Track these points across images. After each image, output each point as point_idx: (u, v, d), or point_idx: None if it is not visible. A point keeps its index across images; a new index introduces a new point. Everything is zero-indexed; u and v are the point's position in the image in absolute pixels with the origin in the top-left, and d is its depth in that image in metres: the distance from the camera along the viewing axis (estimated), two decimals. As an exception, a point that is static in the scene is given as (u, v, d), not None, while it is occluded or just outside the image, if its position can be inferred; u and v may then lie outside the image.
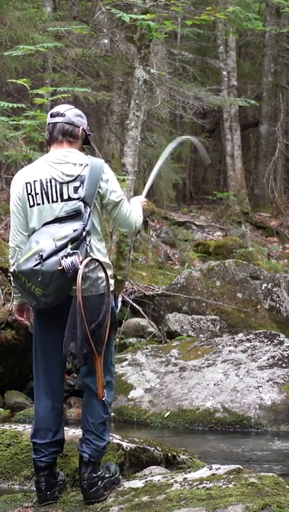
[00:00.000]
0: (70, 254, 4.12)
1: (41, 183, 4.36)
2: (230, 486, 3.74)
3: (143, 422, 7.12)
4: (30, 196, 4.34)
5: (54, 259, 4.12)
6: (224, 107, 16.31)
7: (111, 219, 4.48)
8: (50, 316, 4.28)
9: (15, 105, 8.00)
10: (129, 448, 4.56)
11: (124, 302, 9.87)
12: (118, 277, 8.90)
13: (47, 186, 4.36)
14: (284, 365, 7.48)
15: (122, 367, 7.79)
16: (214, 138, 20.92)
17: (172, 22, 9.21)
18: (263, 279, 10.23)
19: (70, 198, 4.30)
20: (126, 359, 7.96)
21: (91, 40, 10.93)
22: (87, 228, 4.23)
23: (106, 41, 12.55)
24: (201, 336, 8.85)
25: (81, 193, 4.30)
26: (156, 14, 8.71)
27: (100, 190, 4.33)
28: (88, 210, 4.27)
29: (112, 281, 4.36)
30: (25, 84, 7.76)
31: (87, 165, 4.37)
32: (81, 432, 4.22)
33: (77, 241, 4.18)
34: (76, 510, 3.94)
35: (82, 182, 4.32)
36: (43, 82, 12.16)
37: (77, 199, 4.29)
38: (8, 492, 4.36)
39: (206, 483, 3.81)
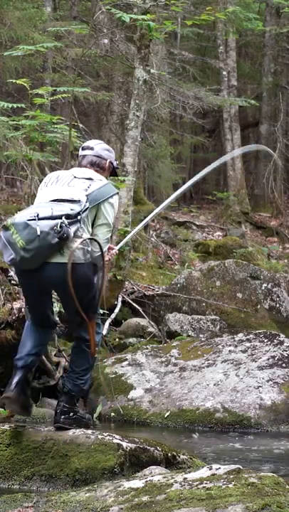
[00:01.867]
0: (65, 225, 4.63)
1: (58, 175, 5.02)
2: (230, 486, 3.74)
3: (143, 422, 7.12)
4: (44, 184, 5.01)
5: (48, 221, 4.64)
6: (224, 107, 16.31)
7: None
8: (27, 283, 4.90)
9: (15, 105, 8.00)
10: (129, 448, 4.56)
11: (124, 302, 9.87)
12: (118, 277, 8.91)
13: (63, 176, 4.98)
14: (284, 365, 7.48)
15: (122, 367, 7.79)
16: (214, 138, 20.92)
17: (172, 22, 9.22)
18: (263, 279, 10.23)
19: (77, 188, 4.87)
20: (126, 359, 7.96)
21: (91, 40, 10.92)
22: (82, 214, 4.76)
23: (106, 41, 12.55)
24: (201, 335, 8.85)
25: (89, 191, 4.88)
26: (156, 14, 8.71)
27: (100, 205, 4.92)
28: (88, 205, 4.81)
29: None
30: (25, 85, 7.76)
31: (105, 182, 5.01)
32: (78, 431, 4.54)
33: (72, 219, 4.70)
34: (76, 510, 3.94)
35: (93, 186, 4.92)
36: (43, 82, 12.16)
37: (83, 193, 4.86)
38: (8, 492, 4.36)
39: (206, 483, 3.82)
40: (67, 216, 4.69)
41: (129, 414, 7.23)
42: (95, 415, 7.11)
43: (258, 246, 15.06)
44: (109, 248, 5.31)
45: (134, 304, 9.94)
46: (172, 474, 4.10)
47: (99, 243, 4.80)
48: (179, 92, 12.86)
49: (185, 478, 3.95)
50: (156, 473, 4.21)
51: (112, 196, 4.98)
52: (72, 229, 4.69)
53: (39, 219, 4.65)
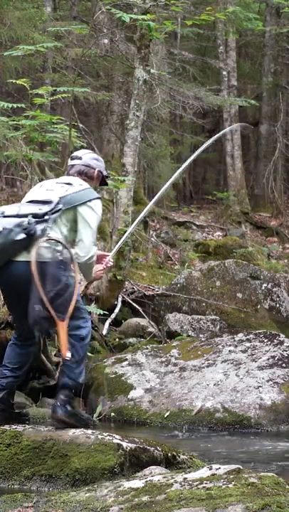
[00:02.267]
0: (30, 223, 4.74)
1: (42, 184, 5.20)
2: (230, 486, 3.74)
3: (143, 422, 7.12)
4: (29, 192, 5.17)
5: (13, 219, 4.76)
6: (224, 107, 16.32)
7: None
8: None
9: (15, 105, 7.99)
10: (129, 448, 4.56)
11: (124, 302, 9.87)
12: (118, 277, 8.91)
13: (46, 184, 5.15)
14: (284, 365, 7.48)
15: (122, 367, 7.79)
16: (214, 138, 20.87)
17: (172, 22, 9.22)
18: (263, 279, 10.23)
19: (54, 192, 4.97)
20: (126, 359, 7.96)
21: (91, 40, 10.93)
22: (52, 215, 4.82)
23: (106, 41, 12.55)
24: (201, 335, 8.85)
25: (64, 194, 4.94)
26: (156, 14, 8.71)
27: (79, 209, 4.94)
28: (59, 206, 4.87)
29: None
30: (25, 85, 7.76)
31: (85, 187, 5.04)
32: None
33: (38, 218, 4.78)
34: (76, 510, 3.94)
35: (70, 189, 4.98)
36: (43, 82, 12.16)
37: (58, 195, 4.94)
38: (8, 492, 4.36)
39: (206, 483, 3.81)
40: (34, 215, 4.78)
41: (129, 414, 7.23)
42: (95, 415, 7.11)
43: (258, 246, 15.06)
44: (104, 256, 5.37)
45: (134, 304, 9.94)
46: (172, 474, 4.10)
47: (63, 244, 4.80)
48: (179, 92, 12.86)
49: (185, 478, 3.95)
50: (156, 473, 4.21)
51: (91, 200, 4.98)
52: (39, 228, 4.75)
53: (4, 216, 4.78)
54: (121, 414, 7.23)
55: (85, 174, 5.18)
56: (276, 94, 18.13)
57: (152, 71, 9.49)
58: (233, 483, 3.77)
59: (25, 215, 4.79)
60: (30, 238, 4.73)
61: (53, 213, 4.85)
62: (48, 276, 4.69)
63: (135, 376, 7.62)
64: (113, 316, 9.38)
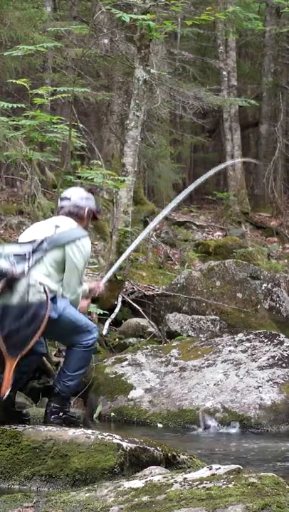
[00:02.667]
0: (9, 262, 4.78)
1: (33, 226, 5.30)
2: (230, 486, 3.74)
3: (143, 422, 7.12)
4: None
5: None
6: (224, 107, 16.31)
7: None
8: None
9: (15, 105, 7.99)
10: (129, 448, 4.56)
11: (124, 302, 9.87)
12: (118, 277, 8.91)
13: (36, 225, 5.24)
14: (284, 365, 7.48)
15: (122, 367, 7.79)
16: (214, 138, 20.92)
17: (172, 22, 9.22)
18: (263, 279, 10.23)
19: (42, 233, 5.04)
20: (126, 359, 7.96)
21: (91, 40, 10.92)
22: (35, 254, 4.88)
23: (106, 41, 12.55)
24: (201, 335, 8.85)
25: (50, 234, 5.01)
26: (156, 14, 8.71)
27: (65, 248, 4.97)
28: (44, 245, 4.93)
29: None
30: (25, 85, 7.75)
31: (72, 226, 5.10)
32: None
33: (19, 257, 4.85)
34: (76, 510, 3.94)
35: (57, 230, 5.04)
36: (43, 82, 12.16)
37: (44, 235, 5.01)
38: (8, 492, 4.36)
39: (206, 483, 3.81)
40: (16, 254, 4.86)
41: (129, 414, 7.23)
42: (95, 415, 7.12)
43: (258, 246, 15.06)
44: (96, 286, 5.53)
45: (134, 304, 9.93)
46: (172, 474, 4.10)
47: (45, 289, 4.90)
48: (179, 92, 12.86)
49: (185, 478, 3.95)
50: (156, 473, 4.21)
51: (79, 239, 5.03)
52: (19, 266, 4.81)
53: None
54: (121, 414, 7.23)
55: (75, 215, 5.21)
56: (276, 94, 18.13)
57: (152, 71, 9.49)
58: (233, 483, 3.77)
59: (7, 255, 4.85)
60: (3, 276, 4.79)
61: (34, 252, 4.91)
62: (14, 314, 4.82)
63: (135, 376, 7.62)
64: (113, 316, 9.38)
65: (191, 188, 6.66)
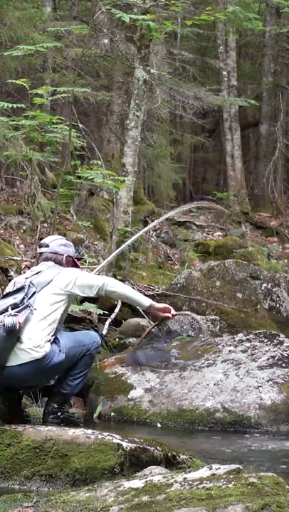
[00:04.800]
0: (11, 315, 4.78)
1: (15, 281, 5.28)
2: (230, 485, 3.74)
3: (143, 422, 7.11)
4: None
5: None
6: (224, 107, 16.32)
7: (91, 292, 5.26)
8: None
9: (15, 105, 7.99)
10: (129, 448, 4.56)
11: (124, 302, 9.86)
12: (118, 277, 8.91)
13: (18, 282, 5.22)
14: (284, 365, 7.48)
15: (122, 367, 7.79)
16: (214, 138, 20.92)
17: (172, 22, 9.22)
18: (263, 279, 10.23)
19: (25, 281, 5.13)
20: (126, 359, 7.96)
21: (91, 40, 10.93)
22: (28, 300, 4.91)
23: (106, 41, 12.56)
24: (201, 335, 8.85)
25: (33, 279, 5.09)
26: (156, 14, 8.71)
27: (56, 281, 5.06)
28: (33, 289, 5.00)
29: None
30: (25, 85, 7.76)
31: (52, 266, 5.22)
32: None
33: (19, 307, 4.86)
34: (76, 510, 3.94)
35: (40, 273, 5.14)
36: (43, 82, 12.16)
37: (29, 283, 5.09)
38: (8, 492, 4.36)
39: (206, 483, 3.81)
40: (14, 306, 4.89)
41: (129, 414, 7.23)
42: (95, 415, 7.11)
43: (258, 246, 15.06)
44: (167, 309, 5.62)
45: (134, 304, 9.92)
46: (172, 474, 4.10)
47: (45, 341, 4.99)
48: (179, 92, 12.87)
49: (185, 478, 3.95)
50: (156, 473, 4.21)
51: (61, 271, 5.17)
52: (23, 315, 4.86)
53: None
54: (121, 414, 7.23)
55: (53, 261, 5.31)
56: (276, 94, 18.14)
57: (152, 71, 9.49)
58: (233, 483, 3.77)
59: (5, 310, 4.88)
60: (13, 331, 4.83)
61: (30, 297, 4.97)
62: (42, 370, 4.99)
63: (135, 376, 7.62)
64: (113, 316, 9.38)
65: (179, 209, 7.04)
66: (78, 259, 5.49)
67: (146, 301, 5.40)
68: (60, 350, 5.00)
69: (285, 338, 7.98)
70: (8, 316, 4.80)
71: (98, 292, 5.18)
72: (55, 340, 5.03)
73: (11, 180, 12.75)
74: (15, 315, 4.81)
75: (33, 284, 5.04)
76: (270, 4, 17.24)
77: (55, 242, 5.41)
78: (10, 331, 4.77)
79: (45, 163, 10.76)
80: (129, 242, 6.55)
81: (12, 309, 4.86)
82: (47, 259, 5.32)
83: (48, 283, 5.08)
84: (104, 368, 7.79)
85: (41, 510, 3.98)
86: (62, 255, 5.34)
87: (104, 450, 4.52)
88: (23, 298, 4.93)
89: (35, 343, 4.91)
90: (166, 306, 5.60)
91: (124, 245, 6.60)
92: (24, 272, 9.25)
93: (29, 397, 7.25)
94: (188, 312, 6.15)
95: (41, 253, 5.40)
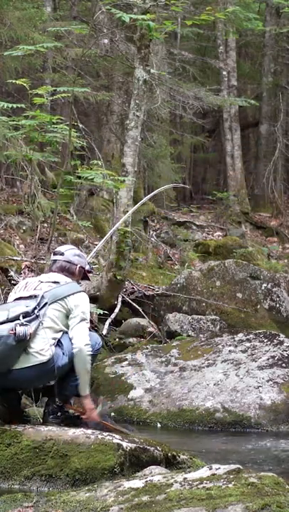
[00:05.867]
0: (23, 324, 4.81)
1: (27, 282, 5.26)
2: (230, 485, 3.74)
3: (143, 422, 7.12)
4: (13, 291, 5.25)
5: (6, 325, 4.82)
6: (224, 107, 16.31)
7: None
8: None
9: (15, 105, 7.99)
10: (129, 448, 4.56)
11: (124, 302, 9.87)
12: (118, 277, 8.91)
13: (30, 283, 5.22)
14: (284, 365, 7.48)
15: (122, 367, 7.79)
16: (214, 138, 20.92)
17: (172, 22, 9.21)
18: (263, 279, 10.23)
19: (39, 289, 5.10)
20: (126, 359, 7.96)
21: (91, 40, 10.92)
22: (39, 311, 4.94)
23: (106, 41, 12.56)
24: (201, 335, 8.85)
25: (48, 289, 5.09)
26: (156, 14, 8.70)
27: (66, 301, 5.08)
28: (44, 300, 5.00)
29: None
30: (25, 85, 7.75)
31: (69, 281, 5.21)
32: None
33: (30, 317, 4.89)
34: (76, 510, 3.94)
35: (57, 285, 5.14)
36: (43, 82, 12.16)
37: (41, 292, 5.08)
38: (8, 492, 4.36)
39: (206, 483, 3.81)
40: (25, 315, 4.90)
41: (129, 414, 7.23)
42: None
43: (258, 246, 15.06)
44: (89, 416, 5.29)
45: (134, 304, 9.94)
46: (172, 474, 4.10)
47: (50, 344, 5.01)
48: (179, 92, 12.86)
49: (185, 478, 3.95)
50: (156, 473, 4.21)
51: (75, 293, 5.14)
52: (33, 326, 4.88)
53: None
54: (121, 414, 7.24)
55: (67, 270, 5.32)
56: (276, 94, 18.13)
57: (152, 71, 9.48)
58: (233, 483, 3.77)
59: (17, 317, 4.89)
60: (24, 341, 4.85)
61: (41, 308, 4.97)
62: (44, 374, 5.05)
63: (135, 376, 7.62)
64: (113, 316, 9.38)
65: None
66: (89, 272, 5.53)
67: (84, 392, 5.23)
68: (63, 353, 5.02)
69: (285, 338, 7.98)
70: (20, 325, 4.83)
71: (72, 341, 5.16)
72: (58, 343, 5.05)
73: (11, 180, 12.75)
74: (26, 325, 4.85)
75: (45, 295, 5.07)
76: (270, 4, 17.23)
77: (70, 252, 5.45)
78: (20, 341, 4.81)
79: (45, 163, 10.75)
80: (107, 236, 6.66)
81: (23, 318, 4.88)
82: (61, 269, 5.34)
83: (62, 298, 5.10)
84: (104, 368, 7.79)
85: (41, 510, 3.98)
86: (76, 265, 5.38)
87: (104, 450, 4.52)
88: (35, 308, 4.95)
89: (40, 347, 4.94)
90: (90, 411, 5.30)
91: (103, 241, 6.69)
92: (25, 273, 9.26)
93: (29, 397, 7.25)
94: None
95: (55, 260, 5.41)
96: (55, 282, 5.20)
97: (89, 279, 5.72)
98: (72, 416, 5.20)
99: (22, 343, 4.84)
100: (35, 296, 5.03)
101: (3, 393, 5.11)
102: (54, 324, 5.05)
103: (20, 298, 5.09)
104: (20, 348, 4.86)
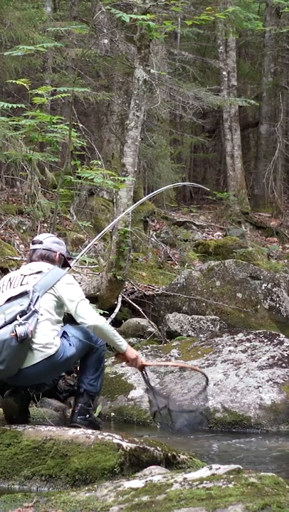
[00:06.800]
0: (22, 324, 4.81)
1: (10, 277, 5.24)
2: (230, 485, 3.74)
3: (143, 422, 7.11)
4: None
5: (6, 328, 4.82)
6: (224, 107, 16.32)
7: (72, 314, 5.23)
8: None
9: (15, 105, 7.99)
10: (129, 448, 4.56)
11: (124, 302, 9.87)
12: (118, 277, 8.91)
13: (14, 278, 5.20)
14: (284, 365, 7.48)
15: (122, 367, 7.79)
16: (214, 138, 20.93)
17: (172, 22, 9.21)
18: (263, 279, 10.23)
19: (25, 283, 5.10)
20: (126, 359, 7.95)
21: (91, 40, 10.93)
22: (34, 306, 4.94)
23: (106, 41, 12.56)
24: (201, 335, 8.85)
25: (35, 282, 5.09)
26: (156, 14, 8.70)
27: (54, 289, 5.09)
28: (36, 294, 5.00)
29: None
30: (25, 85, 7.76)
31: (51, 268, 5.22)
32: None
33: (26, 314, 4.88)
34: (76, 510, 3.94)
35: (41, 274, 5.14)
36: (43, 82, 12.17)
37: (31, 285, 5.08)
38: (8, 492, 4.36)
39: (206, 483, 3.81)
40: (22, 313, 4.90)
41: (129, 414, 7.23)
42: (95, 415, 7.10)
43: (258, 246, 15.06)
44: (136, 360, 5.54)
45: (134, 304, 9.94)
46: (172, 474, 4.10)
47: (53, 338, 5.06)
48: (179, 92, 12.87)
49: (185, 478, 3.95)
50: (156, 473, 4.21)
51: (60, 279, 5.16)
52: (32, 322, 4.88)
53: None
54: (121, 414, 7.23)
55: (46, 258, 5.35)
56: (276, 94, 18.14)
57: (152, 71, 9.48)
58: (233, 483, 3.76)
59: (14, 318, 4.89)
60: (26, 339, 4.86)
61: (35, 303, 4.99)
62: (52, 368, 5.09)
63: (135, 376, 7.62)
64: (113, 316, 9.38)
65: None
66: (69, 259, 5.57)
67: (122, 350, 5.43)
68: (70, 344, 5.07)
69: (285, 338, 7.98)
70: (19, 325, 4.83)
71: (82, 324, 5.20)
72: (63, 335, 5.09)
73: (11, 180, 12.76)
74: (25, 323, 4.85)
75: (35, 289, 5.07)
76: (270, 4, 17.24)
77: (49, 240, 5.46)
78: (22, 340, 4.82)
79: (45, 163, 10.76)
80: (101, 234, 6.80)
81: (20, 317, 4.89)
82: (41, 257, 5.35)
83: (50, 288, 5.11)
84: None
85: (41, 510, 3.98)
86: (56, 253, 5.40)
87: (104, 450, 4.52)
88: (29, 304, 4.95)
89: (45, 340, 4.96)
90: (132, 361, 5.57)
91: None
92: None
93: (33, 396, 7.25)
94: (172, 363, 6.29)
95: (34, 250, 5.42)
96: (38, 272, 5.20)
97: (70, 266, 5.72)
98: (96, 421, 5.36)
99: (25, 343, 4.85)
100: (26, 293, 5.02)
101: (15, 391, 5.13)
102: (50, 315, 5.06)
103: (10, 298, 5.07)
104: (24, 347, 4.87)
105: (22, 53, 8.23)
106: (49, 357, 4.94)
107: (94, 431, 4.76)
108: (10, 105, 8.00)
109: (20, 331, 4.81)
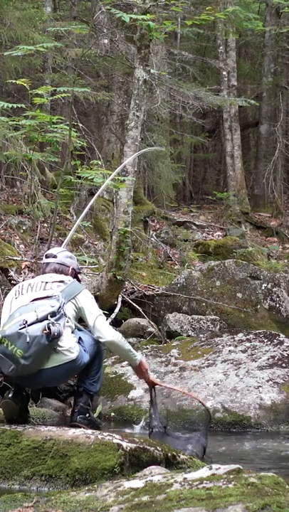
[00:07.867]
0: (54, 324, 4.91)
1: (30, 283, 5.33)
2: (230, 485, 3.74)
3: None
4: (16, 293, 5.30)
5: (37, 325, 4.89)
6: (224, 107, 16.32)
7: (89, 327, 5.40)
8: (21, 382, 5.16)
9: (15, 105, 7.99)
10: (129, 448, 4.56)
11: (124, 302, 9.87)
12: (118, 277, 8.91)
13: (35, 284, 5.30)
14: (284, 365, 7.48)
15: (122, 367, 7.79)
16: (214, 138, 20.93)
17: (172, 22, 9.21)
18: (263, 279, 10.23)
19: (49, 289, 5.23)
20: (126, 359, 7.94)
21: (91, 40, 10.92)
22: (64, 309, 5.08)
23: (106, 41, 12.56)
24: (201, 335, 8.85)
25: (60, 289, 5.22)
26: (156, 14, 8.70)
27: (76, 300, 5.26)
28: (62, 300, 5.11)
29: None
30: (25, 85, 7.75)
31: (72, 280, 5.37)
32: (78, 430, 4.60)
33: (56, 316, 4.99)
34: (76, 510, 3.94)
35: (64, 284, 5.28)
36: (43, 82, 12.17)
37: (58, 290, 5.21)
38: (8, 492, 4.36)
39: (206, 483, 3.81)
40: (52, 314, 4.99)
41: (129, 414, 7.23)
42: (95, 415, 7.10)
43: (258, 246, 15.06)
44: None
45: (134, 304, 9.93)
46: (172, 474, 4.09)
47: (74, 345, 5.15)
48: (179, 92, 12.87)
49: (185, 478, 3.95)
50: (156, 473, 4.21)
51: (81, 291, 5.34)
52: (62, 323, 5.00)
53: (28, 325, 4.91)
54: (121, 414, 7.24)
55: (60, 271, 5.48)
56: (276, 94, 18.14)
57: (152, 71, 9.47)
58: (233, 483, 3.76)
59: (46, 317, 4.96)
60: (58, 338, 4.96)
61: (63, 306, 5.12)
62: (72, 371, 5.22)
63: (135, 376, 7.62)
64: (113, 316, 9.38)
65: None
66: (79, 273, 5.70)
67: (135, 363, 5.60)
68: (85, 351, 5.21)
69: (285, 338, 7.98)
70: (53, 324, 4.93)
71: (98, 338, 5.35)
72: (79, 341, 5.22)
73: (11, 180, 12.75)
74: (58, 323, 4.95)
75: (62, 295, 5.20)
76: (270, 4, 17.24)
77: (62, 254, 5.61)
78: (53, 339, 4.91)
79: (45, 163, 10.76)
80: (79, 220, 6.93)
81: (51, 317, 4.97)
82: (55, 271, 5.48)
83: (73, 297, 5.25)
84: (104, 368, 7.78)
85: (41, 510, 3.98)
86: (69, 267, 5.54)
87: (104, 450, 4.52)
88: (60, 307, 5.06)
89: (69, 344, 5.07)
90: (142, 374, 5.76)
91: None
92: (25, 273, 9.27)
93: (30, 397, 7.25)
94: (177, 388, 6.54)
95: (48, 263, 5.55)
96: (61, 281, 5.32)
97: (79, 280, 5.86)
98: (95, 420, 5.41)
99: (53, 343, 4.93)
100: (54, 296, 5.13)
101: (18, 392, 5.16)
102: (71, 323, 5.19)
103: (37, 299, 5.15)
104: (51, 348, 4.95)
105: (22, 53, 8.22)
106: (71, 361, 5.05)
107: (94, 431, 4.76)
108: (10, 105, 7.99)
109: (54, 329, 4.90)
